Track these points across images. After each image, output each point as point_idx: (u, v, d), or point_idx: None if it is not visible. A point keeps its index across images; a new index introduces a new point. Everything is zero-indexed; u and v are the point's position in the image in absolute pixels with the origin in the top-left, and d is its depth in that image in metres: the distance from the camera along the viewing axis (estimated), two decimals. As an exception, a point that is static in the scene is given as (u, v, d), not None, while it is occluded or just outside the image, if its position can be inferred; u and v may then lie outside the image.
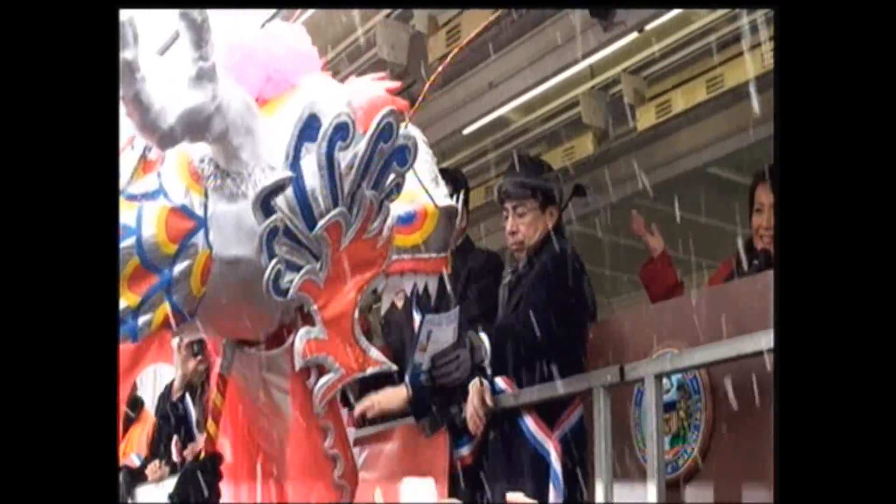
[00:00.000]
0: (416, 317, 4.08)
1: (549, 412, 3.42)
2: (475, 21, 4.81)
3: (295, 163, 2.64)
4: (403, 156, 2.79)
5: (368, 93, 2.79)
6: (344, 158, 2.67)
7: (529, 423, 3.44)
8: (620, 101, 5.31)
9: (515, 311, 3.50)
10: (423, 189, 3.01)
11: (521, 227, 3.62)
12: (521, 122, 5.73)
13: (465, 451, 3.83)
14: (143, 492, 5.96)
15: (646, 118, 5.20)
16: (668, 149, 5.42)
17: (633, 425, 3.29)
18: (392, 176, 2.78)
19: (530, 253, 3.61)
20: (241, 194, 2.62)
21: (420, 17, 5.02)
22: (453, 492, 3.69)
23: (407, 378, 3.52)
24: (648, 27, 4.75)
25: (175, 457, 5.94)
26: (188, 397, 5.90)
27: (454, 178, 3.74)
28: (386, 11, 5.15)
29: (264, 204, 2.61)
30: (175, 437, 5.95)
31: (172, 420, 6.04)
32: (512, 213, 3.65)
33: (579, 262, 3.55)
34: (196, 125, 2.53)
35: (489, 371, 3.43)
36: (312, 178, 2.65)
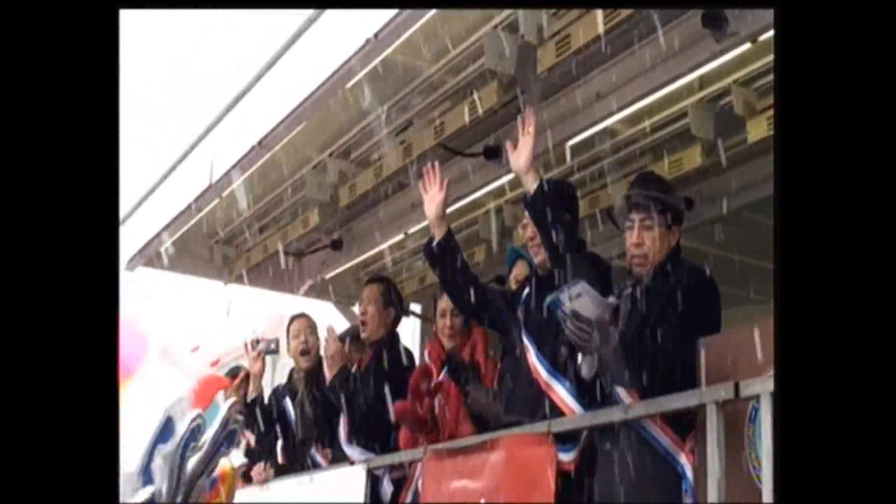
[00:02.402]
0: (526, 341, 4.10)
1: (679, 424, 3.38)
2: (585, 31, 4.78)
3: (147, 467, 2.82)
4: (231, 439, 3.06)
5: (200, 375, 3.05)
6: (192, 460, 2.88)
7: (658, 434, 3.40)
8: (730, 113, 5.22)
9: (643, 325, 3.47)
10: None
11: (647, 241, 3.60)
12: (628, 134, 5.67)
13: (566, 457, 3.81)
14: (245, 494, 6.04)
15: (756, 130, 5.10)
16: (779, 162, 5.31)
17: (747, 443, 3.23)
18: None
19: (656, 267, 3.58)
20: None
21: (528, 27, 5.01)
22: (557, 494, 3.67)
23: (548, 301, 3.45)
24: (761, 38, 4.66)
25: (280, 459, 6.05)
26: (287, 402, 5.99)
27: None
28: (494, 22, 5.15)
29: None
30: (279, 441, 6.05)
31: (263, 423, 6.13)
32: (638, 225, 3.61)
33: (714, 283, 3.52)
34: None
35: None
36: (161, 480, 2.83)
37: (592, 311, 3.27)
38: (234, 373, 7.43)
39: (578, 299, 3.26)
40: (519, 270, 4.80)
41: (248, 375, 7.05)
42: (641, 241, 3.61)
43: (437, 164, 4.50)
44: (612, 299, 3.41)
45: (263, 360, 6.16)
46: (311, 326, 5.97)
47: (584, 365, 3.41)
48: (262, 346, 6.08)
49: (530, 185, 3.95)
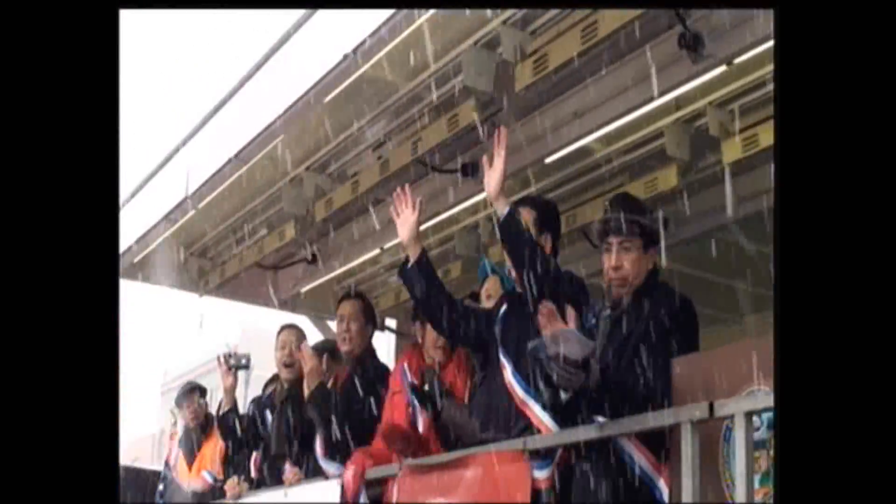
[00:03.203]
0: (503, 358, 4.11)
1: (657, 446, 3.40)
2: (563, 50, 4.82)
3: None
4: None
5: None
6: None
7: (636, 455, 3.42)
8: (706, 134, 5.27)
9: (622, 348, 3.49)
10: None
11: (626, 263, 3.61)
12: (605, 153, 5.71)
13: (540, 474, 3.81)
14: (221, 509, 6.04)
15: (732, 152, 5.16)
16: (753, 183, 5.37)
17: (721, 463, 3.25)
18: None
19: (636, 290, 3.61)
20: None
21: (507, 44, 5.05)
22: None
23: (530, 345, 3.45)
24: (737, 60, 4.72)
25: (253, 473, 6.02)
26: (268, 413, 5.97)
27: None
28: (473, 39, 5.19)
29: None
30: (255, 454, 6.02)
31: (244, 437, 6.12)
32: (616, 248, 3.63)
33: (692, 306, 3.54)
34: None
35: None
36: None
37: (579, 354, 3.29)
38: (190, 388, 7.44)
39: (566, 343, 3.27)
40: (491, 285, 4.80)
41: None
42: (620, 264, 3.62)
43: (407, 186, 4.51)
44: (592, 343, 3.42)
45: (235, 374, 6.15)
46: (299, 339, 5.95)
47: (563, 394, 3.42)
48: (232, 360, 6.08)
49: (501, 209, 3.97)
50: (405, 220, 4.40)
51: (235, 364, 6.08)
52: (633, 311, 3.57)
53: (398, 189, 4.49)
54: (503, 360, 4.14)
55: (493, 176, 3.97)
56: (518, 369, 4.02)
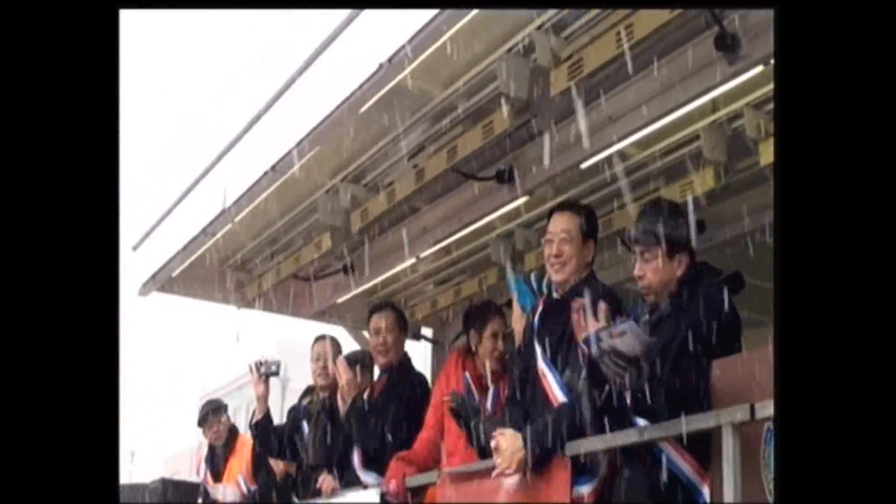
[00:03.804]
0: (538, 348, 4.08)
1: (701, 453, 3.37)
2: (598, 55, 4.81)
3: None
4: None
5: None
6: None
7: (679, 461, 3.39)
8: (743, 136, 5.23)
9: (664, 352, 3.46)
10: None
11: (648, 273, 3.66)
12: (641, 157, 5.68)
13: (584, 489, 3.78)
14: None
15: (768, 153, 5.10)
16: (791, 184, 5.32)
17: (763, 466, 3.22)
18: None
19: (673, 295, 3.60)
20: None
21: (542, 50, 5.04)
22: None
23: (585, 336, 3.43)
24: (774, 61, 4.67)
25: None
26: (304, 424, 5.99)
27: None
28: (507, 46, 5.18)
29: None
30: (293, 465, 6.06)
31: (279, 446, 6.15)
32: (639, 259, 3.69)
33: (734, 308, 3.52)
34: None
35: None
36: None
37: (636, 350, 3.28)
38: (211, 409, 7.50)
39: (622, 337, 3.27)
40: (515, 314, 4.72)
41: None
42: (642, 273, 3.69)
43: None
44: (650, 339, 3.40)
45: (267, 381, 6.19)
46: (334, 349, 5.97)
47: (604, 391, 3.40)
48: (263, 368, 6.12)
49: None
50: None
51: (266, 371, 6.14)
52: (672, 315, 3.55)
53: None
54: (543, 366, 4.11)
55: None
56: (560, 376, 3.99)
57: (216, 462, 7.56)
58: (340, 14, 5.36)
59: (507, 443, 3.81)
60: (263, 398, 6.20)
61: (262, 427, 6.18)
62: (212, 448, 7.68)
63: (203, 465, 7.76)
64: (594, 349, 3.32)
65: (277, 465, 6.68)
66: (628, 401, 3.33)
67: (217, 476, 7.47)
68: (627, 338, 3.25)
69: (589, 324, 3.44)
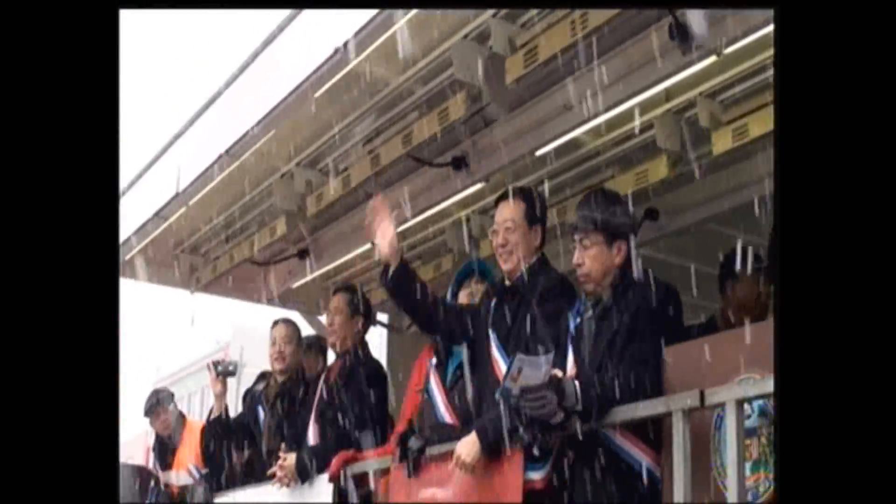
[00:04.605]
0: (492, 335, 4.10)
1: (655, 440, 3.41)
2: (553, 42, 4.82)
3: None
4: None
5: None
6: None
7: (633, 449, 3.44)
8: (696, 125, 5.28)
9: (611, 346, 3.50)
10: None
11: (586, 260, 3.69)
12: (595, 145, 5.72)
13: (535, 475, 3.81)
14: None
15: (722, 142, 5.16)
16: (744, 174, 5.38)
17: (713, 451, 3.27)
18: None
19: (614, 285, 3.63)
20: None
21: (498, 37, 5.04)
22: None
23: (497, 394, 3.54)
24: (727, 51, 4.72)
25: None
26: (259, 410, 5.99)
27: None
28: (463, 33, 5.18)
29: None
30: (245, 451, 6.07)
31: (235, 435, 6.16)
32: (578, 246, 3.70)
33: (675, 293, 3.56)
34: None
35: (577, 413, 3.41)
36: None
37: (536, 376, 3.36)
38: (156, 399, 7.49)
39: (521, 375, 3.35)
40: (476, 289, 4.75)
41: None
42: (581, 261, 3.71)
43: (380, 196, 4.52)
44: (545, 356, 3.49)
45: (224, 381, 6.21)
46: (291, 335, 5.96)
47: (553, 419, 3.44)
48: (220, 367, 6.16)
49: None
50: (384, 232, 4.34)
51: (223, 371, 6.16)
52: (614, 307, 3.59)
53: (375, 198, 4.47)
54: (496, 354, 4.14)
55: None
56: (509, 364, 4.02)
57: (164, 452, 7.52)
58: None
59: (466, 449, 3.85)
60: (221, 396, 6.22)
61: (219, 424, 6.17)
62: (159, 438, 7.63)
63: (151, 455, 7.72)
64: (511, 402, 3.41)
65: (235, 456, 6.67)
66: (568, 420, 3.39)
67: (166, 466, 7.43)
68: (525, 371, 3.34)
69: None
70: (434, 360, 4.78)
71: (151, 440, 7.91)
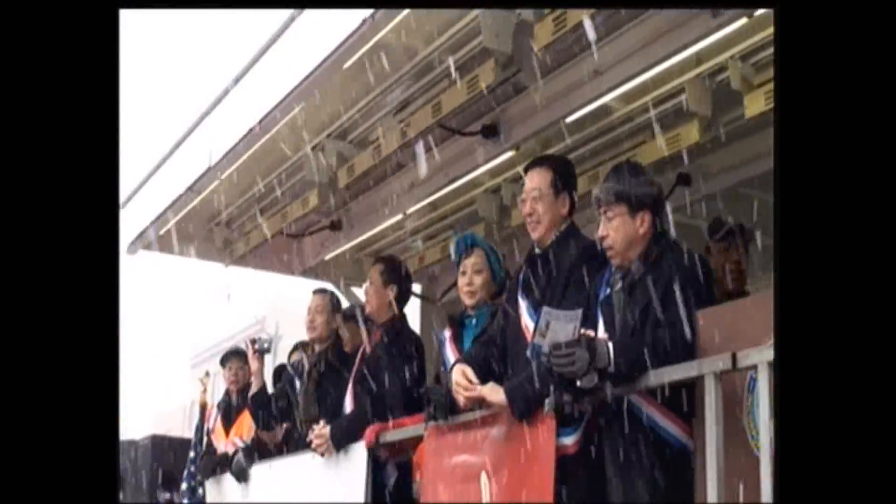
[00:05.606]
0: (522, 302, 4.10)
1: (686, 411, 3.41)
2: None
3: None
4: None
5: None
6: None
7: (655, 415, 3.44)
8: (727, 89, 5.23)
9: (641, 318, 3.49)
10: None
11: (610, 232, 3.69)
12: (626, 111, 5.68)
13: (568, 440, 3.83)
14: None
15: (754, 105, 5.11)
16: (776, 137, 5.33)
17: (745, 414, 3.26)
18: None
19: (642, 255, 3.62)
20: None
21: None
22: (559, 478, 3.71)
23: (528, 353, 3.53)
24: (758, 13, 4.67)
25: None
26: (296, 381, 6.05)
27: None
28: (491, -1, 5.16)
29: None
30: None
31: (276, 409, 6.22)
32: (602, 218, 3.70)
33: (705, 262, 3.54)
34: None
35: (609, 375, 3.40)
36: None
37: (565, 331, 3.35)
38: (235, 350, 7.51)
39: (549, 329, 3.34)
40: (476, 260, 4.74)
41: None
42: (606, 233, 3.71)
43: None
44: (577, 310, 3.47)
45: (262, 357, 6.27)
46: (324, 305, 5.97)
47: (585, 382, 3.43)
48: (257, 345, 6.25)
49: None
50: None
51: (260, 348, 6.24)
52: (644, 279, 3.58)
53: None
54: (526, 320, 4.13)
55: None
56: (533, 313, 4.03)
57: (228, 410, 7.45)
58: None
59: (491, 393, 3.87)
60: (259, 373, 6.28)
61: (259, 400, 6.24)
62: (227, 394, 7.57)
63: (215, 411, 7.64)
64: (542, 362, 3.39)
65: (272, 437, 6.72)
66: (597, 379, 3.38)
67: (228, 424, 7.37)
68: (553, 325, 3.33)
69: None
70: (448, 332, 4.79)
71: (218, 396, 7.81)
